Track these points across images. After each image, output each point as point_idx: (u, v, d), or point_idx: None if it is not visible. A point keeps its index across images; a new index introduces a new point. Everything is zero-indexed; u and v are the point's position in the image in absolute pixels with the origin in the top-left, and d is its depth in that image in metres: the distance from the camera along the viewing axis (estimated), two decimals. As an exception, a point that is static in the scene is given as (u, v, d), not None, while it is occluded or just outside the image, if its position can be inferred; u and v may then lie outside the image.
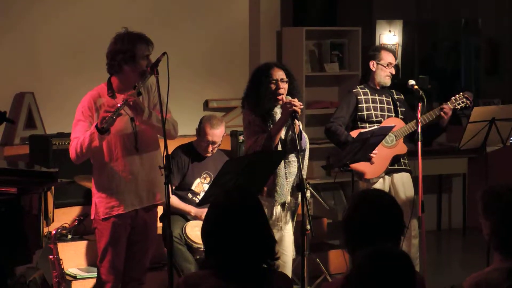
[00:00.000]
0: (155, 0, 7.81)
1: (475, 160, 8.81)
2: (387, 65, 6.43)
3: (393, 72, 6.46)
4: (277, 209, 5.46)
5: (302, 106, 5.28)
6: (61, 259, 5.50)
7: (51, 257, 5.47)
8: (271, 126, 5.38)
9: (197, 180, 6.28)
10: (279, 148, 5.37)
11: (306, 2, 8.34)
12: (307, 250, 5.80)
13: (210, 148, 6.26)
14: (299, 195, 5.33)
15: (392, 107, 6.47)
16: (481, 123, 6.27)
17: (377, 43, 11.00)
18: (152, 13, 7.73)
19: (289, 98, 5.33)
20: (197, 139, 6.34)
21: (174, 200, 6.13)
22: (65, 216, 6.45)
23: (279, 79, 5.42)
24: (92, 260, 6.45)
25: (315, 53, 8.31)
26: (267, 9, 8.20)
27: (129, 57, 5.03)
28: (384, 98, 6.48)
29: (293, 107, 5.20)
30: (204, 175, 6.29)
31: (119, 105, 4.89)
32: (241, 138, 7.36)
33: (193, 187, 6.27)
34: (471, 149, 6.64)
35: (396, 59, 6.60)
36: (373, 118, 6.38)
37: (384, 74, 6.45)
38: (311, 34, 8.21)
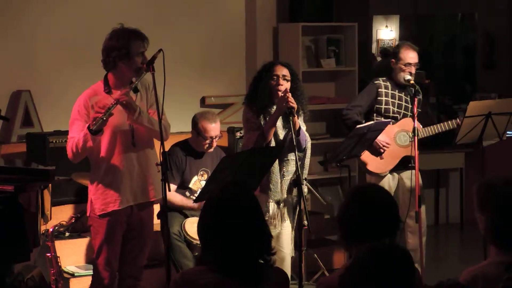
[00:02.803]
0: (151, -4, 7.83)
1: (472, 155, 8.82)
2: (405, 65, 6.42)
3: (413, 71, 6.43)
4: (272, 207, 5.46)
5: (294, 104, 5.27)
6: (59, 257, 5.51)
7: (48, 254, 5.48)
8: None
9: (195, 178, 6.27)
10: (272, 144, 5.39)
11: (302, -3, 8.34)
12: (305, 246, 5.81)
13: (214, 143, 6.24)
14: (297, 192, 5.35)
15: (410, 106, 6.46)
16: (477, 117, 6.28)
17: (374, 38, 11.03)
18: (148, 9, 7.73)
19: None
20: (194, 137, 6.29)
21: (176, 198, 6.14)
22: (62, 214, 6.46)
23: (280, 75, 5.43)
24: (90, 257, 6.45)
25: (311, 49, 8.31)
26: (263, 5, 8.20)
27: (123, 54, 5.02)
28: (403, 95, 6.49)
29: (289, 103, 5.22)
30: (201, 172, 6.29)
31: (110, 105, 4.88)
32: (238, 134, 7.36)
33: (190, 185, 6.26)
34: (468, 143, 6.65)
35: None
36: (390, 113, 6.39)
37: (402, 74, 6.44)
38: (307, 30, 8.20)
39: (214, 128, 6.20)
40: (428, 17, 12.55)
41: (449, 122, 6.41)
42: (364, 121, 6.40)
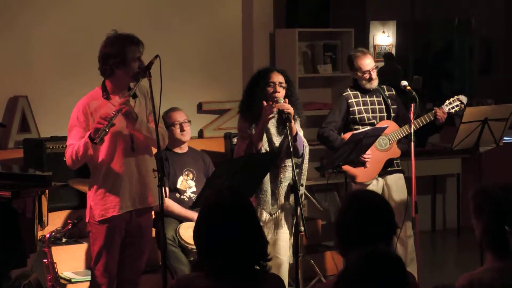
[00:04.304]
0: (148, 2, 7.83)
1: (469, 160, 8.83)
2: (364, 73, 6.42)
3: (373, 76, 6.43)
4: (265, 215, 5.46)
5: (290, 110, 5.29)
6: (56, 263, 5.50)
7: (45, 260, 5.47)
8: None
9: (180, 178, 6.28)
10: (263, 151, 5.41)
11: (299, 3, 8.35)
12: (301, 252, 5.81)
13: (185, 127, 6.29)
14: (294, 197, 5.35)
15: (383, 106, 6.47)
16: (474, 123, 6.29)
17: (370, 44, 11.01)
18: (145, 15, 7.74)
19: (281, 103, 5.35)
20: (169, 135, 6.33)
21: (175, 207, 6.15)
22: (59, 220, 6.45)
23: (277, 83, 5.44)
24: (87, 263, 6.45)
25: (308, 55, 8.32)
26: (260, 11, 8.22)
27: (120, 61, 5.01)
28: (375, 98, 6.47)
29: (273, 112, 5.26)
30: (186, 172, 6.30)
31: (112, 114, 4.88)
32: (235, 140, 7.38)
33: (178, 186, 6.27)
34: (465, 149, 6.66)
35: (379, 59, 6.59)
36: (365, 120, 6.38)
37: (365, 82, 6.45)
38: (304, 35, 8.22)
39: (179, 114, 6.33)
40: (425, 23, 12.56)
41: (425, 116, 6.38)
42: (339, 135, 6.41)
